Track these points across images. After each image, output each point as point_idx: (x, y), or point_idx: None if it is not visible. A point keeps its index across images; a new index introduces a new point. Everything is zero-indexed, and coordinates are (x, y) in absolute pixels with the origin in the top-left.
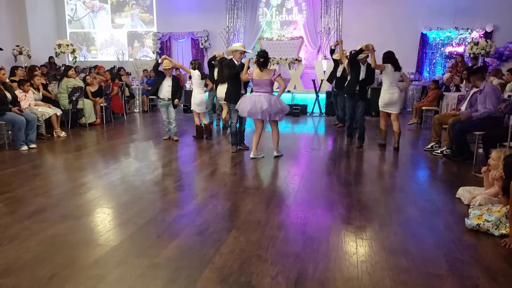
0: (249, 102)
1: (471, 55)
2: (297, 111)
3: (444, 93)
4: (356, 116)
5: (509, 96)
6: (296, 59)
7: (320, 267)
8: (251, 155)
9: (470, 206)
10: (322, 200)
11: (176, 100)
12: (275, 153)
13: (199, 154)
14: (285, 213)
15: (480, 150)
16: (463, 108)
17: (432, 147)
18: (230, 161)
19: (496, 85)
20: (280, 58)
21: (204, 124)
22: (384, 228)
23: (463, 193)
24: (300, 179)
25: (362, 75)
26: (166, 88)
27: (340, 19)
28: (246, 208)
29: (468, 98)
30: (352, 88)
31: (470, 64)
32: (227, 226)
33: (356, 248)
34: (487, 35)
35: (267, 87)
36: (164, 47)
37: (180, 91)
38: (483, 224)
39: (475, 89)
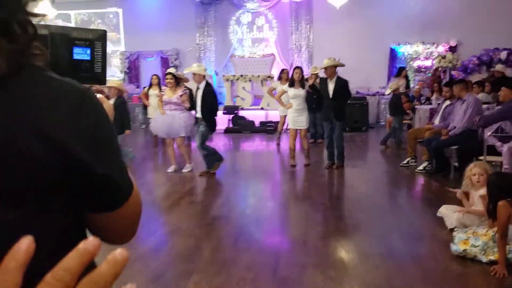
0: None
1: (440, 68)
2: (271, 129)
3: (416, 106)
4: (334, 136)
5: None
6: (269, 76)
7: None
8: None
9: (454, 230)
10: (295, 230)
11: (127, 131)
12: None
13: (162, 180)
14: (255, 249)
15: (456, 164)
16: (436, 121)
17: (408, 162)
18: (198, 187)
19: None
20: (253, 75)
21: None
22: (365, 260)
23: (446, 212)
24: (272, 204)
25: (331, 94)
26: None
27: (311, 36)
28: (210, 245)
29: (440, 112)
30: (326, 114)
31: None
32: (187, 269)
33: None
34: (452, 49)
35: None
36: (132, 66)
37: (124, 117)
38: (470, 249)
39: (447, 102)
